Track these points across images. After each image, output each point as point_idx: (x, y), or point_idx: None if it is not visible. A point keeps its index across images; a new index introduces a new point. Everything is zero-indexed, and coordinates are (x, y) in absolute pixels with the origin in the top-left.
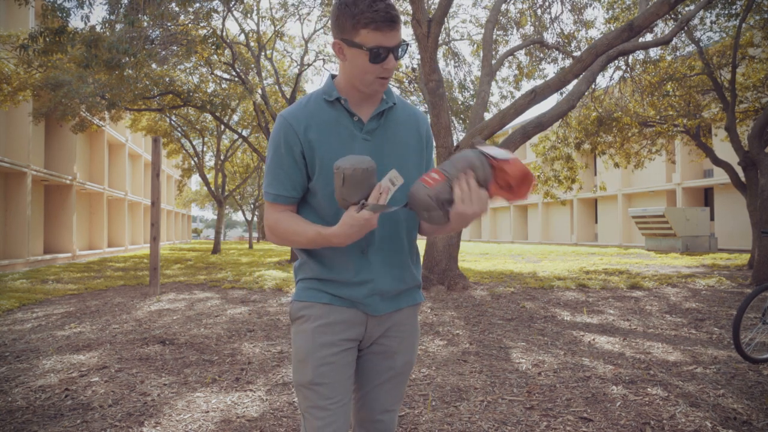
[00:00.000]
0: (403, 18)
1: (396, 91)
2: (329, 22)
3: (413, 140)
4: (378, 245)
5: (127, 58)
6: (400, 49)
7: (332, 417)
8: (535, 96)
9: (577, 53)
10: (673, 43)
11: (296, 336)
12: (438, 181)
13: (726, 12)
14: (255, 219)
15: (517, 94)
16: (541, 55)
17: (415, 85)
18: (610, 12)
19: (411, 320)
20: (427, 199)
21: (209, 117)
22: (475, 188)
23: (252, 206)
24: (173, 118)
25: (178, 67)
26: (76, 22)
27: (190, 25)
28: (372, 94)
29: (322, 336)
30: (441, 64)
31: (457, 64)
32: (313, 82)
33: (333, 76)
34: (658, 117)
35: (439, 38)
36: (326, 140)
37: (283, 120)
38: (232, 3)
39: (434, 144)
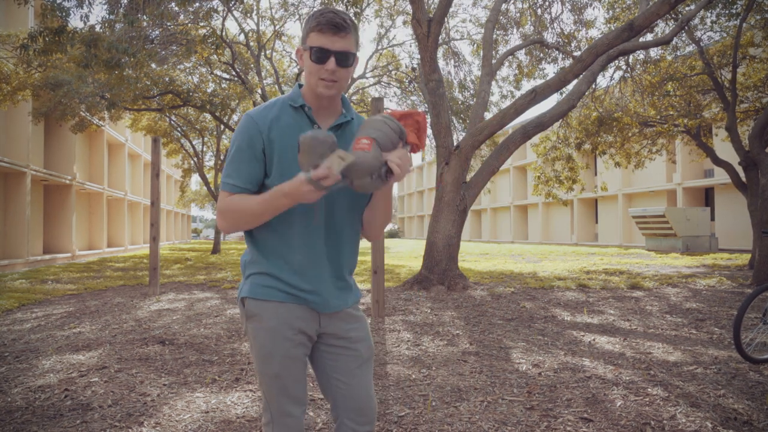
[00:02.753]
0: (402, 18)
1: (396, 91)
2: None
3: None
4: (324, 257)
5: (127, 58)
6: (347, 57)
7: (294, 400)
8: (536, 96)
9: (578, 53)
10: (673, 42)
11: (257, 333)
12: (370, 145)
13: (726, 12)
14: None
15: (518, 94)
16: (541, 54)
17: (415, 84)
18: (611, 12)
19: (359, 312)
20: (374, 161)
21: (209, 117)
22: (400, 154)
23: None
24: (173, 118)
25: (178, 66)
26: (75, 22)
27: (189, 24)
28: (319, 97)
29: (282, 331)
30: (441, 63)
31: (457, 64)
32: None
33: (300, 86)
34: (658, 117)
35: (439, 38)
36: (286, 142)
37: (250, 118)
38: (232, 3)
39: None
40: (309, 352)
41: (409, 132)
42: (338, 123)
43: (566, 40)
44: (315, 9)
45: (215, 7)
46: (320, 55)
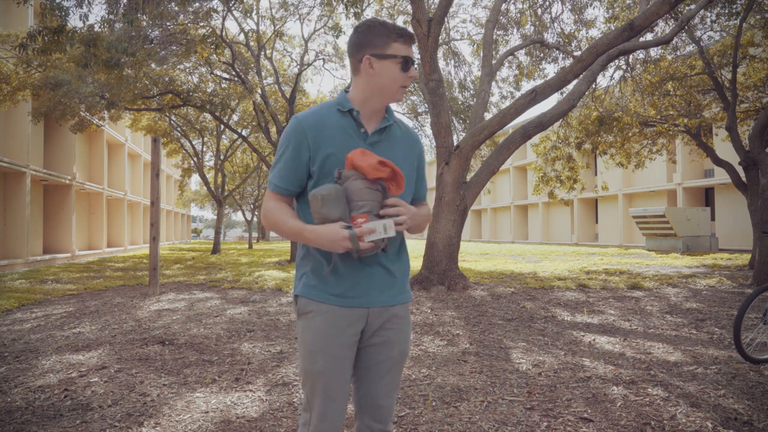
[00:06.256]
0: (402, 18)
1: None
2: (348, 44)
3: (409, 156)
4: (373, 257)
5: (126, 58)
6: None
7: (335, 404)
8: (536, 96)
9: (578, 53)
10: (673, 42)
11: (306, 330)
12: (366, 219)
13: (726, 11)
14: (255, 219)
15: (518, 94)
16: (542, 54)
17: (415, 84)
18: (611, 11)
19: (405, 314)
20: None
21: (209, 117)
22: (393, 203)
23: (252, 206)
24: (173, 117)
25: (178, 66)
26: (74, 22)
27: (189, 24)
28: (393, 102)
29: (330, 329)
30: (441, 63)
31: (457, 64)
32: (313, 82)
33: (346, 91)
34: (658, 117)
35: (439, 38)
36: (331, 143)
37: (297, 121)
38: (232, 2)
39: (425, 162)
40: (355, 353)
41: (388, 184)
42: (383, 126)
43: (566, 40)
44: (376, 22)
45: (215, 7)
46: (406, 64)
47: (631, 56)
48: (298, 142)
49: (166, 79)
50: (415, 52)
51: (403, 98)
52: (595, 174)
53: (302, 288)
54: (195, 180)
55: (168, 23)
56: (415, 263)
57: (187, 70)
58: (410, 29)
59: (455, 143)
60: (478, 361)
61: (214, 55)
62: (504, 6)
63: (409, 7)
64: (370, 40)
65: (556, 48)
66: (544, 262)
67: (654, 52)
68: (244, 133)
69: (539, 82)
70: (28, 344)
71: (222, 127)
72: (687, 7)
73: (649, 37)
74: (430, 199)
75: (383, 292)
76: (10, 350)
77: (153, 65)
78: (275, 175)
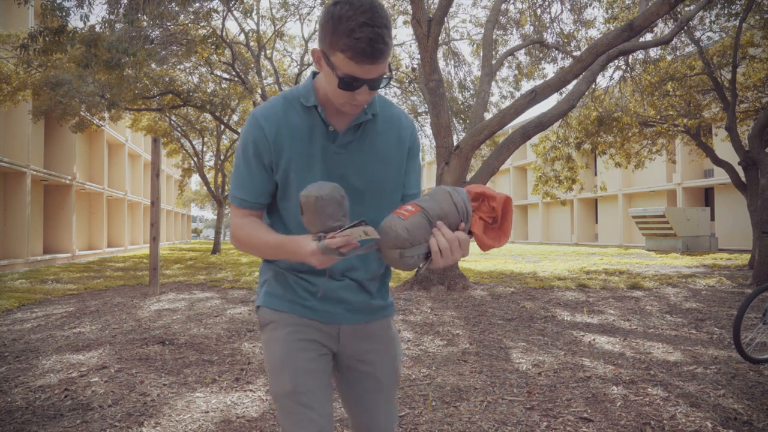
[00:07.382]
0: (402, 18)
1: (396, 91)
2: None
3: (393, 150)
4: (346, 269)
5: (127, 58)
6: (381, 81)
7: (316, 428)
8: (535, 96)
9: (577, 53)
10: (673, 42)
11: (269, 343)
12: (412, 213)
13: (726, 12)
14: None
15: (517, 94)
16: (541, 54)
17: (415, 85)
18: (610, 11)
19: (386, 331)
20: (403, 233)
21: (209, 117)
22: (452, 236)
23: None
24: (173, 117)
25: (178, 66)
26: (75, 22)
27: (189, 24)
28: (344, 112)
29: (297, 342)
30: (441, 63)
31: (457, 64)
32: None
33: (315, 75)
34: (658, 117)
35: (439, 38)
36: (296, 148)
37: (255, 121)
38: (232, 3)
39: (419, 149)
40: (329, 367)
41: (476, 219)
42: (357, 123)
43: (566, 40)
44: (341, 10)
45: (215, 7)
46: (350, 84)
47: (630, 56)
48: (257, 145)
49: (167, 79)
50: (414, 54)
51: (355, 112)
52: (595, 174)
53: (264, 297)
54: (195, 180)
55: (168, 23)
56: None
57: (188, 70)
58: (378, 46)
59: (455, 143)
60: (478, 361)
61: (215, 56)
62: (504, 6)
63: (409, 7)
64: (323, 33)
65: (556, 48)
66: (544, 262)
67: (653, 52)
68: None
69: (539, 82)
70: (28, 344)
71: (222, 127)
72: (686, 8)
73: (648, 37)
74: None
75: (357, 311)
76: (10, 350)
77: (153, 65)
78: (237, 188)
